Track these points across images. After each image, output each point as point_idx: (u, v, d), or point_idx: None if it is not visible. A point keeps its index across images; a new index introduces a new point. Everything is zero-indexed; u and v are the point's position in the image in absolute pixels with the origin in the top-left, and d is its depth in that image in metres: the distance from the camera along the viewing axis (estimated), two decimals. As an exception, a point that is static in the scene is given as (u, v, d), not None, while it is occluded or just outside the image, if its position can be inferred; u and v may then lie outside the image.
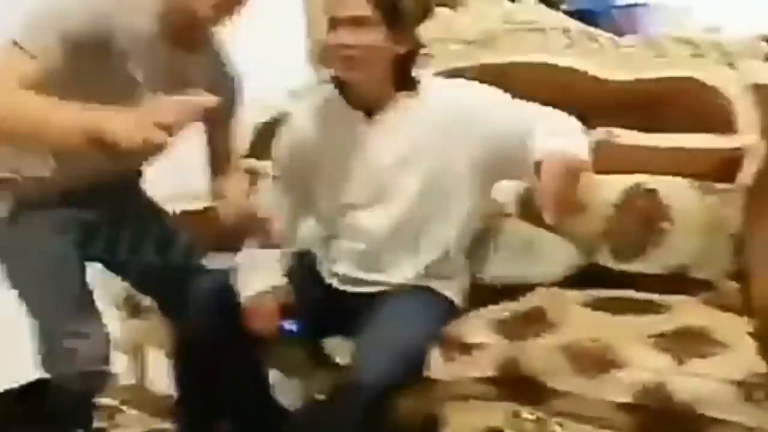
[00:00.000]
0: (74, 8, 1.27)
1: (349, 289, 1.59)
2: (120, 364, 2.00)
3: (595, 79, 1.92)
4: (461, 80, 1.55)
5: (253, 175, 2.36)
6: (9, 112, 1.19)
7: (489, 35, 2.10)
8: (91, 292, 1.54)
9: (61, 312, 1.46)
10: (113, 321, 1.93)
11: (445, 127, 1.45)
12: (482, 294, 1.62)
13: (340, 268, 1.60)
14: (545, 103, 1.80)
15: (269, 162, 2.34)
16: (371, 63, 1.42)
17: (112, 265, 1.66)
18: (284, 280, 1.56)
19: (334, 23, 1.41)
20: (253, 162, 2.39)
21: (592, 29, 2.05)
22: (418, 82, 1.49)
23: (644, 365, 1.28)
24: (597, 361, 1.31)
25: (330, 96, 1.53)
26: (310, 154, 1.54)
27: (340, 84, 1.51)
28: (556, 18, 2.10)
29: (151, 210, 1.70)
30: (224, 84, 1.54)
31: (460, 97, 1.48)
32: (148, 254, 1.59)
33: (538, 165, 1.20)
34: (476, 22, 2.13)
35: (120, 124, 1.12)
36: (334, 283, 1.61)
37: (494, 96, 1.47)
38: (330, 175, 1.54)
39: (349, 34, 1.39)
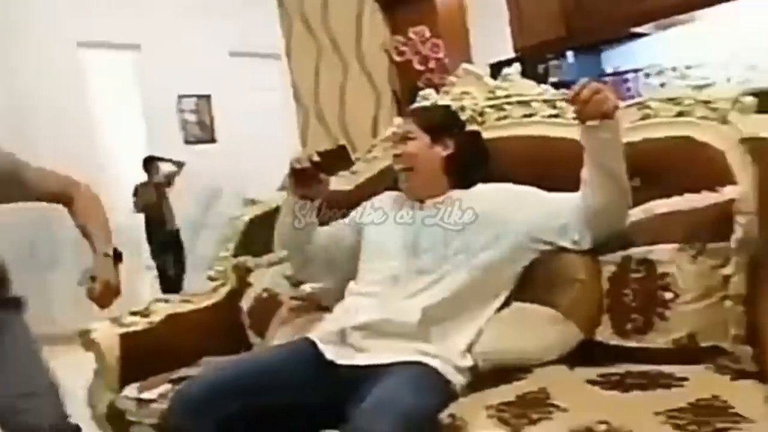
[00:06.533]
0: None
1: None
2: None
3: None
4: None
5: (247, 271, 2.33)
6: None
7: (476, 112, 2.08)
8: None
9: None
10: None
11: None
12: (479, 378, 1.54)
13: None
14: (539, 175, 1.79)
15: (264, 257, 2.33)
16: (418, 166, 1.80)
17: None
18: None
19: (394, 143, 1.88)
20: (247, 259, 2.36)
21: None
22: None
23: (659, 446, 1.16)
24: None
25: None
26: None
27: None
28: (541, 90, 2.07)
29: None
30: None
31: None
32: None
33: None
34: (462, 100, 2.12)
35: None
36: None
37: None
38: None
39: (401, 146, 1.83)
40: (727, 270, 1.46)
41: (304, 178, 1.65)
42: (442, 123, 1.89)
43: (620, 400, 1.33)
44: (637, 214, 1.66)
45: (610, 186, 1.58)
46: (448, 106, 2.03)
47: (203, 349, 2.09)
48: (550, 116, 2.00)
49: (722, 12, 3.58)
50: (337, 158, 1.63)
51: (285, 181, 2.42)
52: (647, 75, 4.08)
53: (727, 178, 1.57)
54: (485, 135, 2.01)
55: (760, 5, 3.46)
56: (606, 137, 1.54)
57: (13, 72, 5.08)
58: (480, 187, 1.82)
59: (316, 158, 1.66)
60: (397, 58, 3.13)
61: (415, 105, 2.18)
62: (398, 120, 2.37)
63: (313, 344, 1.65)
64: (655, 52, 4.06)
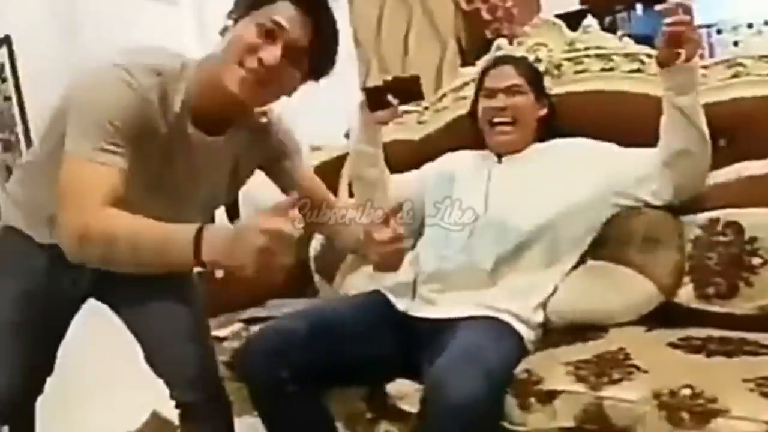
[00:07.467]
0: (123, 99, 1.12)
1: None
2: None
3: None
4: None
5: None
6: (133, 236, 1.06)
7: (552, 64, 2.02)
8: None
9: None
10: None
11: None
12: (550, 334, 1.53)
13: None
14: (618, 132, 1.73)
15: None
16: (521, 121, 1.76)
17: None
18: None
19: (493, 92, 1.79)
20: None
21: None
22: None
23: (749, 415, 1.13)
24: (694, 411, 1.17)
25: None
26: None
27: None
28: (622, 44, 2.00)
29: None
30: None
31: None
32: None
33: None
34: (536, 52, 2.05)
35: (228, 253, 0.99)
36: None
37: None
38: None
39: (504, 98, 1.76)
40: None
41: (376, 98, 1.64)
42: (540, 79, 1.86)
43: (704, 364, 1.30)
44: (723, 175, 1.60)
45: (689, 131, 1.53)
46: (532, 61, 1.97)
47: (269, 292, 2.11)
48: (631, 71, 1.93)
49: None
50: (410, 87, 1.60)
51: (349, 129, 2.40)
52: (719, 31, 3.91)
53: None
54: (561, 89, 1.95)
55: None
56: (686, 80, 1.50)
57: None
58: (557, 142, 1.78)
59: (388, 78, 1.64)
60: (465, 7, 3.05)
61: (504, 54, 2.09)
62: (468, 69, 2.31)
63: (385, 295, 1.66)
64: (725, 7, 3.88)
